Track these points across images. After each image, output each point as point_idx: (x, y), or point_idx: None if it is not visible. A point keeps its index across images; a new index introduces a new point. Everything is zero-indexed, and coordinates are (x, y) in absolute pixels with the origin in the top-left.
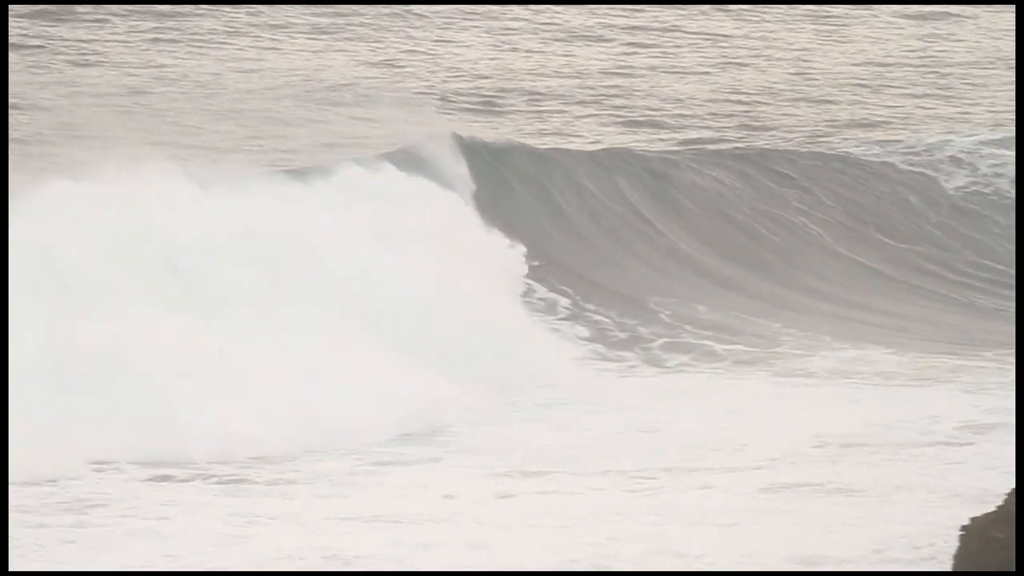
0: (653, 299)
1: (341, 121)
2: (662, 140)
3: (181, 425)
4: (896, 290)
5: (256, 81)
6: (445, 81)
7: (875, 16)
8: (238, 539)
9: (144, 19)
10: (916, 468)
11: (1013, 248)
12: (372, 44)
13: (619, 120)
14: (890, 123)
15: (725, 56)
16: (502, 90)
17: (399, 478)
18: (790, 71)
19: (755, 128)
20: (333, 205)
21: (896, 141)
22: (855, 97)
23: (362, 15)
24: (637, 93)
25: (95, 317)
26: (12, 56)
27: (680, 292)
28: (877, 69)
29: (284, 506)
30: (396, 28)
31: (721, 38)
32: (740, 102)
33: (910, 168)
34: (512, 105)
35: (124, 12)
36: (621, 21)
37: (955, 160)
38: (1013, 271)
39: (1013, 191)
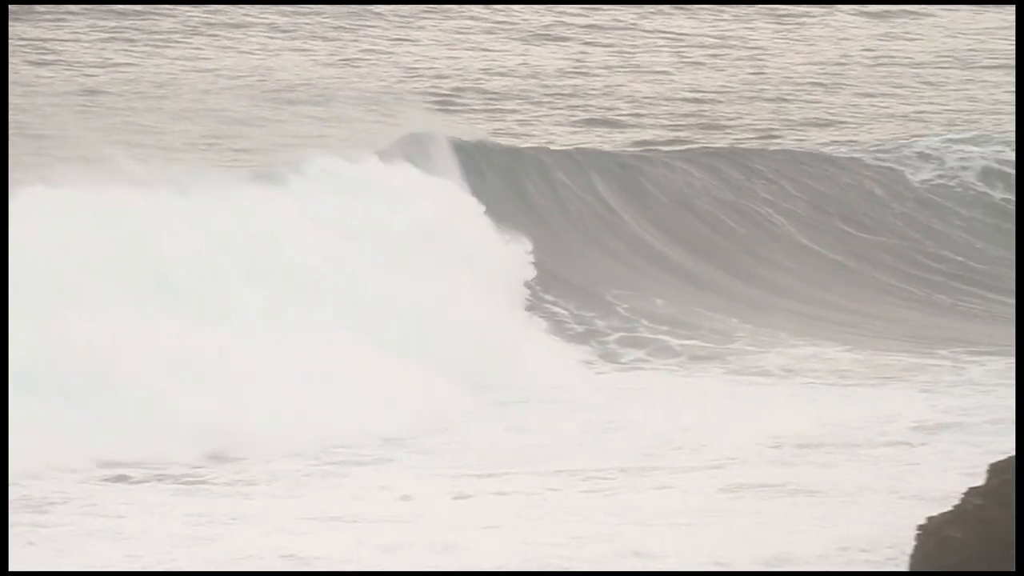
0: (612, 291)
1: (298, 120)
2: (616, 141)
3: (155, 426)
4: (854, 284)
5: (212, 81)
6: (401, 81)
7: (831, 15)
8: (200, 540)
9: (104, 17)
10: (875, 469)
11: (971, 239)
12: (331, 43)
13: (575, 120)
14: (846, 123)
15: (683, 56)
16: (458, 89)
17: (356, 479)
18: (748, 71)
19: (712, 128)
20: (310, 202)
21: (861, 140)
22: (812, 97)
23: (320, 14)
24: (593, 92)
25: (67, 319)
26: None
27: (640, 285)
28: (834, 68)
29: (243, 506)
30: (354, 27)
31: (679, 36)
32: (698, 100)
33: (877, 163)
34: (467, 104)
35: (82, 11)
36: (579, 20)
37: (923, 155)
38: (970, 263)
39: (978, 184)
